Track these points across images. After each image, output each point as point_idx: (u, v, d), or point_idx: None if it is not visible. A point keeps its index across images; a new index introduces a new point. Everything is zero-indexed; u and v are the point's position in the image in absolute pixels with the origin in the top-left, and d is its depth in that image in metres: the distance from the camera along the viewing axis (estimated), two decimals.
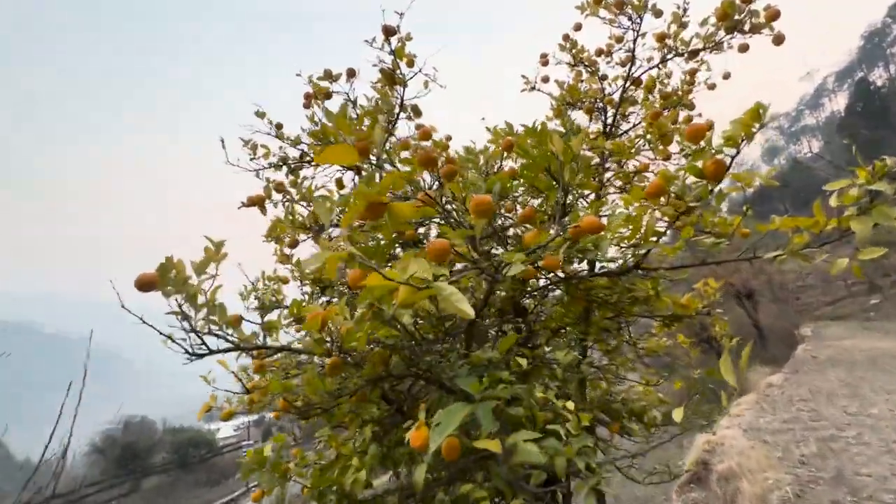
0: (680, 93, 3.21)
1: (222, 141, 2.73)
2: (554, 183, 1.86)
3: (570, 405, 1.29)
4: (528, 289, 2.40)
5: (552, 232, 1.44)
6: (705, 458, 6.04)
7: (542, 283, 2.51)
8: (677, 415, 1.03)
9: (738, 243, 1.79)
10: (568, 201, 2.15)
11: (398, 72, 2.81)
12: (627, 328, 3.10)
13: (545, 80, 3.40)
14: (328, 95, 2.76)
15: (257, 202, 2.27)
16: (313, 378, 1.37)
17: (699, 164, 1.38)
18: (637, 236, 1.71)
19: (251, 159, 2.75)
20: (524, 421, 1.23)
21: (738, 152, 1.33)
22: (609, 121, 3.18)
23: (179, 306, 1.28)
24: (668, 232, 1.73)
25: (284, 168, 2.81)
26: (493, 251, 1.60)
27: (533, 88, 3.45)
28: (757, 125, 1.27)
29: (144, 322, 1.29)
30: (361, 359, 1.35)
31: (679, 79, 3.31)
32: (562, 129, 2.87)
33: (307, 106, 2.98)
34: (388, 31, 2.75)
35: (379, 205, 1.22)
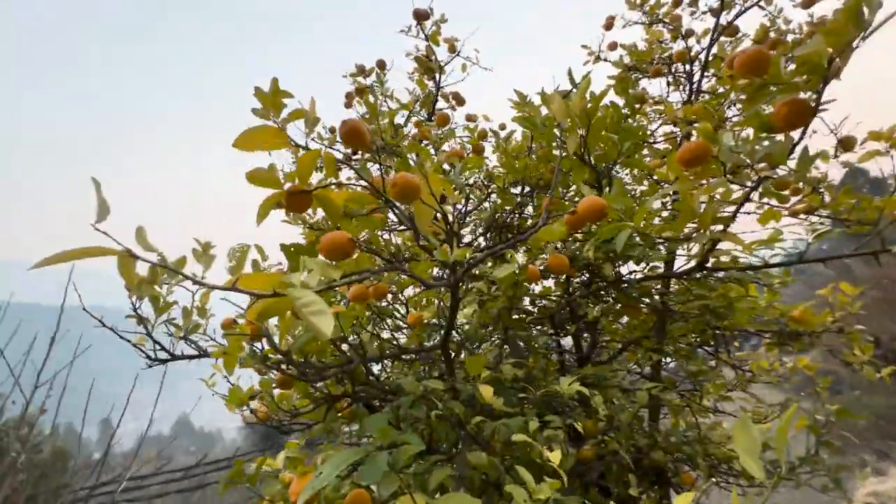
0: (800, 36, 2.44)
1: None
2: (581, 160, 1.47)
3: (556, 457, 0.93)
4: (589, 292, 1.98)
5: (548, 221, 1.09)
6: None
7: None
8: None
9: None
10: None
11: (433, 58, 2.60)
12: (725, 344, 2.45)
13: (612, 46, 2.86)
14: (362, 92, 2.66)
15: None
16: (265, 392, 1.23)
17: (764, 108, 0.91)
18: (689, 224, 1.24)
19: (293, 162, 2.79)
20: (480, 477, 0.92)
21: (824, 84, 0.83)
22: (695, 85, 2.54)
23: (135, 309, 1.24)
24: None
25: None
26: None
27: (598, 59, 2.94)
28: (859, 34, 0.77)
29: (103, 324, 1.28)
30: (317, 374, 1.16)
31: (801, 21, 2.52)
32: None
33: (349, 105, 2.94)
34: (420, 16, 2.56)
35: (301, 194, 1.02)
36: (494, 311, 1.30)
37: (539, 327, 2.52)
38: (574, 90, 1.22)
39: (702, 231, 1.22)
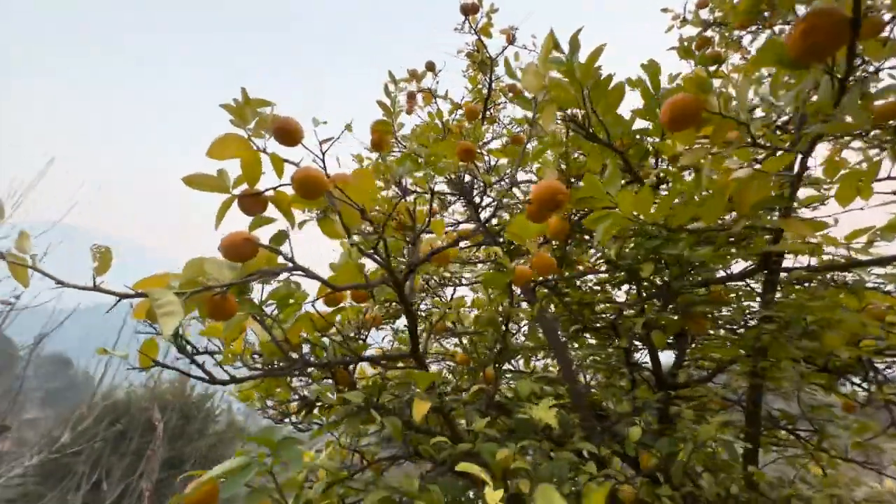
0: None
1: (338, 160, 3.01)
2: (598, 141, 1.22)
3: (496, 497, 0.77)
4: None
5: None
6: None
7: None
8: None
9: None
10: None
11: (481, 51, 2.48)
12: (873, 369, 1.85)
13: (702, 4, 2.37)
14: (412, 96, 2.68)
15: None
16: (270, 388, 1.28)
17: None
18: (724, 209, 0.93)
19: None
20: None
21: None
22: None
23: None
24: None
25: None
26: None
27: (685, 21, 2.47)
28: None
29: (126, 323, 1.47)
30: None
31: None
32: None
33: (409, 111, 2.98)
34: (468, 10, 2.46)
35: (252, 197, 1.03)
36: (484, 318, 1.15)
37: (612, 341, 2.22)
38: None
39: (741, 219, 0.90)
